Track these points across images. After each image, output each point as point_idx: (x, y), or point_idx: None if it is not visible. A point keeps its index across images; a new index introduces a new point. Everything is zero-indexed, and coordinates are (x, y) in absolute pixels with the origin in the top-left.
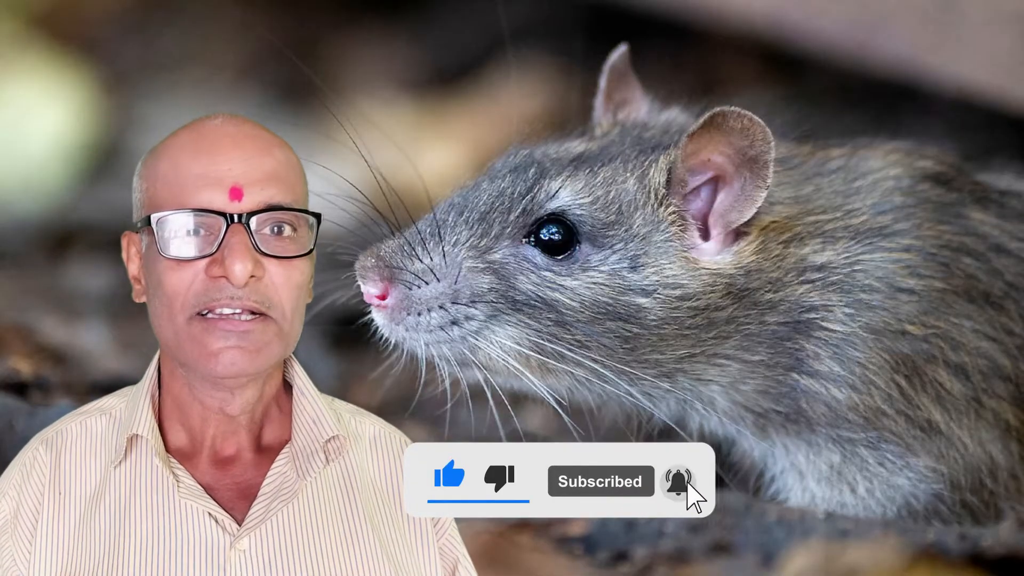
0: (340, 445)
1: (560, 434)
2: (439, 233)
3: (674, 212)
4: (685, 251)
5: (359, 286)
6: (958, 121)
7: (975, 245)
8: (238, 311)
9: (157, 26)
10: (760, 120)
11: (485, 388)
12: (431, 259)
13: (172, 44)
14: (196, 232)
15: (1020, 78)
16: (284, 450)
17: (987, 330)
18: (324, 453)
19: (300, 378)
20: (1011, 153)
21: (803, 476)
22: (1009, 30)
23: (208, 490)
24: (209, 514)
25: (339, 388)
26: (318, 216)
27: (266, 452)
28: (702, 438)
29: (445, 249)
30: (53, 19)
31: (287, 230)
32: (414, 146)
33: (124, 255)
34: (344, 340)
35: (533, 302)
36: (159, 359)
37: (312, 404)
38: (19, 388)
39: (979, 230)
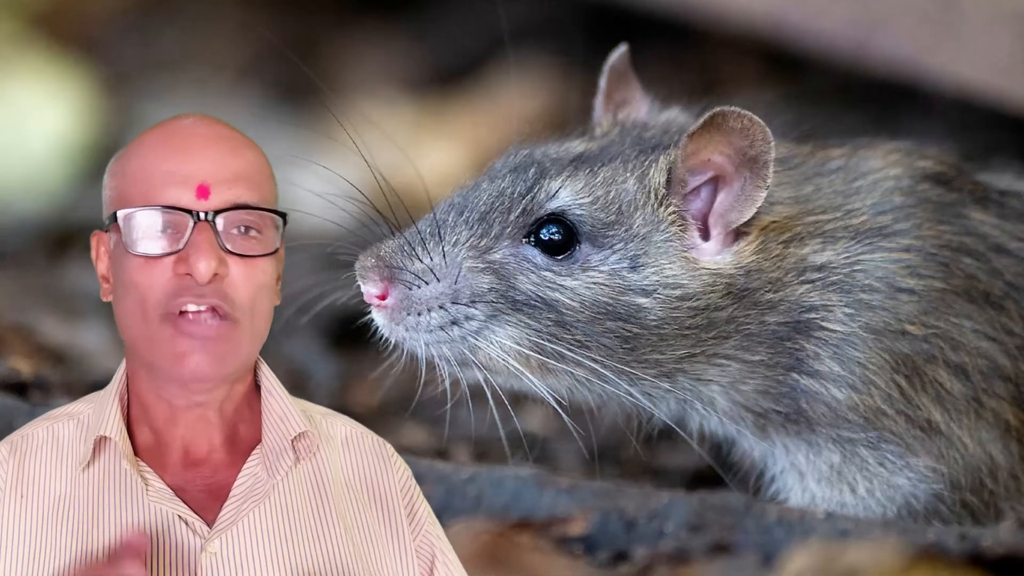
0: (310, 443)
1: (560, 434)
2: (439, 233)
3: (674, 212)
4: (685, 251)
5: (359, 286)
6: (958, 121)
7: (975, 245)
8: (203, 308)
9: (157, 26)
10: (760, 120)
11: (485, 388)
12: (431, 259)
13: (172, 44)
14: (163, 229)
15: (1020, 78)
16: (255, 450)
17: (987, 330)
18: (293, 451)
19: (267, 379)
20: (1011, 153)
21: (803, 476)
22: (1009, 30)
23: (178, 492)
24: (179, 516)
25: (339, 388)
26: (284, 216)
27: (238, 453)
28: (702, 438)
29: (445, 249)
30: (53, 19)
31: (252, 231)
32: (414, 146)
33: (93, 254)
34: (344, 340)
35: (533, 302)
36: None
37: (279, 402)
38: (19, 388)
39: (979, 230)
